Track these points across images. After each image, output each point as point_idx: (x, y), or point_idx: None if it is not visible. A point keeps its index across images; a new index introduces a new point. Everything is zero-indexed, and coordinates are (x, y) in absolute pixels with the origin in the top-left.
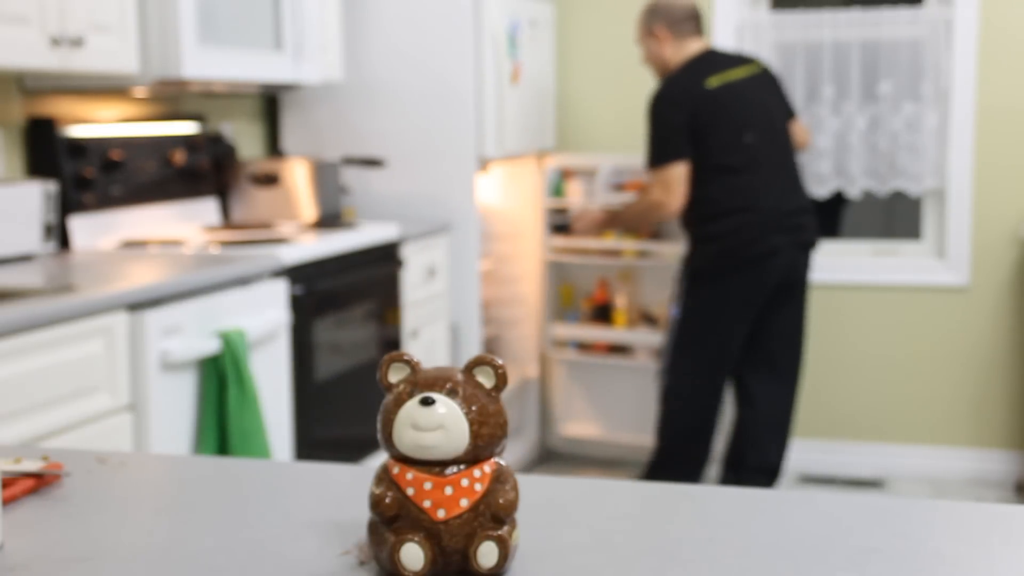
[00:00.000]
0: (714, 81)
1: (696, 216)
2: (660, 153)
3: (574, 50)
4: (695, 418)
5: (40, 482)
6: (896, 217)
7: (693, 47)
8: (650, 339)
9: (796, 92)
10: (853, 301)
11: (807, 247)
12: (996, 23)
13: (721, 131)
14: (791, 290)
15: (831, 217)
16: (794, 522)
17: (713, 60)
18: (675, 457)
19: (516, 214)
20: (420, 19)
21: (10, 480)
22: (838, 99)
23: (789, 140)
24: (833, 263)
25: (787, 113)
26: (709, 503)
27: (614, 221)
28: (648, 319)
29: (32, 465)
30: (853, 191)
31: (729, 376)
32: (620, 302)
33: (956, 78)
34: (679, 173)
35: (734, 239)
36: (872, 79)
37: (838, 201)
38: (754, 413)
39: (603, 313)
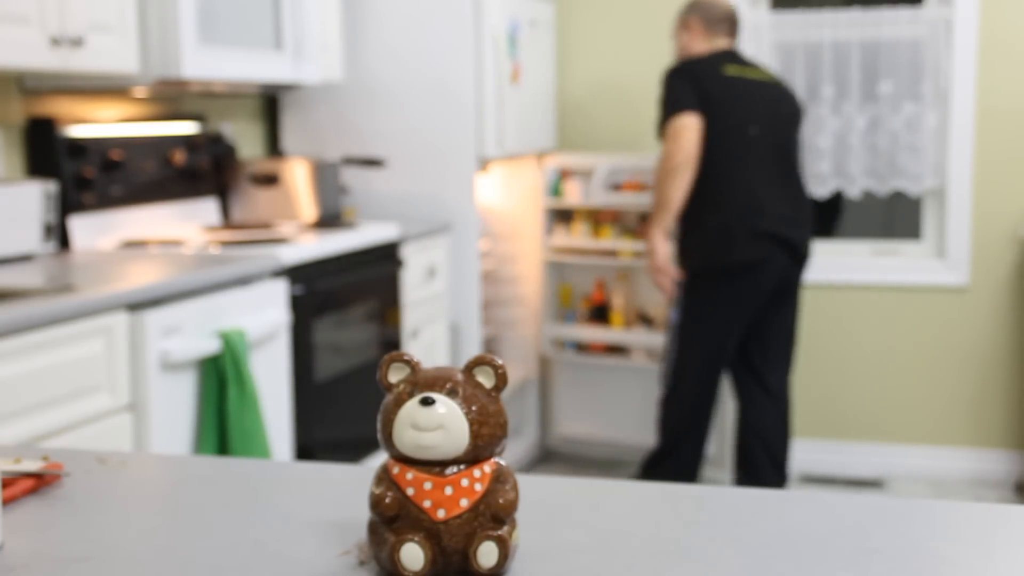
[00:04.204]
0: (731, 70)
1: (695, 202)
2: (668, 110)
3: (574, 50)
4: (691, 417)
5: (40, 482)
6: (896, 217)
7: (720, 45)
8: (647, 340)
9: (796, 92)
10: (853, 301)
11: (801, 260)
12: (996, 23)
13: (729, 117)
14: (785, 293)
15: (828, 217)
16: (794, 522)
17: (736, 56)
18: (672, 456)
19: (516, 214)
20: (420, 19)
21: (10, 480)
22: (838, 99)
23: (796, 154)
24: (833, 263)
25: (797, 142)
26: (709, 503)
27: (655, 219)
28: (645, 320)
29: (32, 465)
30: (853, 191)
31: (728, 376)
32: (617, 302)
33: (956, 78)
34: (687, 122)
35: (730, 232)
36: (872, 79)
37: (835, 201)
38: (761, 413)
39: (601, 313)
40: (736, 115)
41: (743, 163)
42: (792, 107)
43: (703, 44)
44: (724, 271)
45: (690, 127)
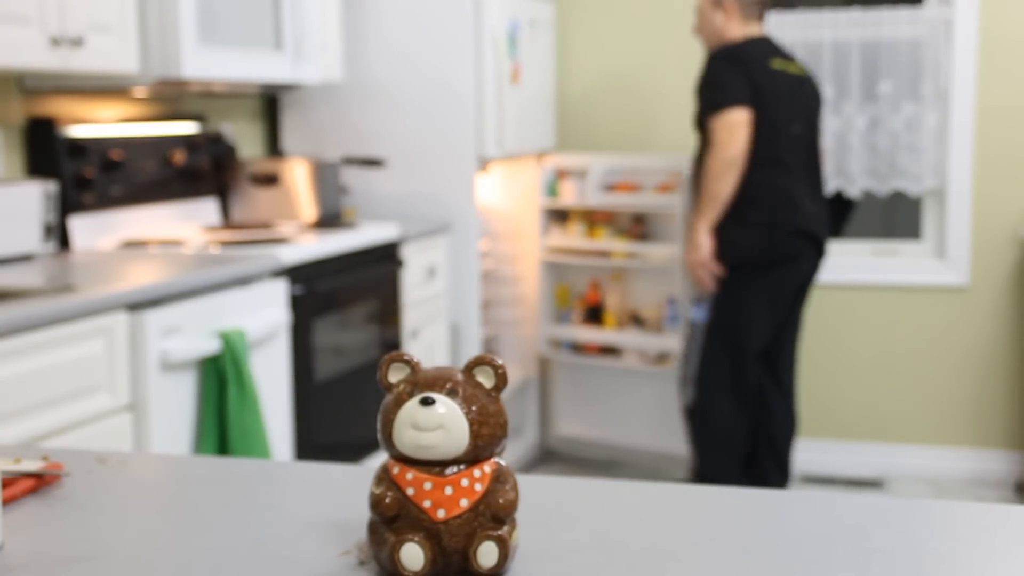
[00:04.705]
0: (777, 64)
1: (735, 197)
2: (720, 99)
3: (574, 50)
4: (738, 421)
5: (40, 482)
6: (896, 217)
7: (754, 30)
8: (639, 341)
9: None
10: (853, 301)
11: (822, 257)
12: (996, 23)
13: (775, 114)
14: (804, 290)
15: (835, 217)
16: (794, 522)
17: (775, 47)
18: (724, 473)
19: (516, 214)
20: (420, 19)
21: (10, 480)
22: (838, 99)
23: (820, 150)
24: (833, 263)
25: (819, 131)
26: (709, 503)
27: (702, 213)
28: (637, 320)
29: (32, 465)
30: (853, 191)
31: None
32: (611, 303)
33: (956, 78)
34: (742, 117)
35: (772, 228)
36: (872, 79)
37: (842, 202)
38: (771, 410)
39: (595, 314)
40: (781, 114)
41: (784, 161)
42: (819, 102)
43: (738, 28)
44: (763, 266)
45: (744, 122)
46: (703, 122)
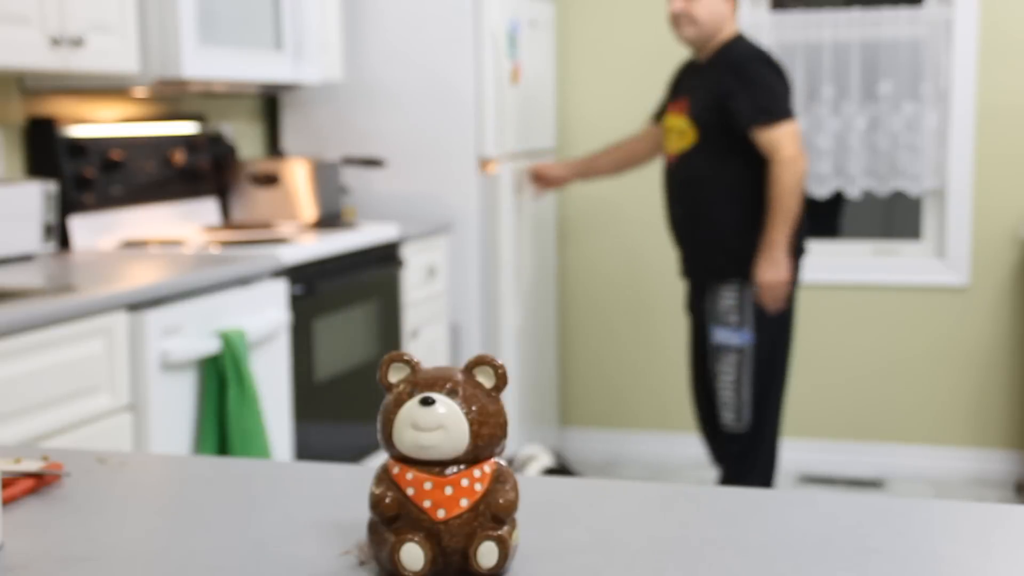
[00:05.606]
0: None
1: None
2: (776, 108)
3: (574, 50)
4: (775, 432)
5: (40, 482)
6: (896, 217)
7: (737, 26)
8: None
9: (796, 92)
10: (853, 301)
11: None
12: (996, 23)
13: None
14: None
15: (831, 217)
16: (794, 522)
17: None
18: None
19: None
20: (420, 19)
21: (10, 480)
22: (838, 99)
23: None
24: (833, 263)
25: None
26: (709, 503)
27: (782, 231)
28: None
29: (32, 465)
30: (853, 191)
31: None
32: None
33: (956, 78)
34: (798, 128)
35: (795, 236)
36: (872, 79)
37: (836, 201)
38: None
39: None
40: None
41: None
42: None
43: (731, 20)
44: (794, 269)
45: (800, 132)
46: (737, 127)
